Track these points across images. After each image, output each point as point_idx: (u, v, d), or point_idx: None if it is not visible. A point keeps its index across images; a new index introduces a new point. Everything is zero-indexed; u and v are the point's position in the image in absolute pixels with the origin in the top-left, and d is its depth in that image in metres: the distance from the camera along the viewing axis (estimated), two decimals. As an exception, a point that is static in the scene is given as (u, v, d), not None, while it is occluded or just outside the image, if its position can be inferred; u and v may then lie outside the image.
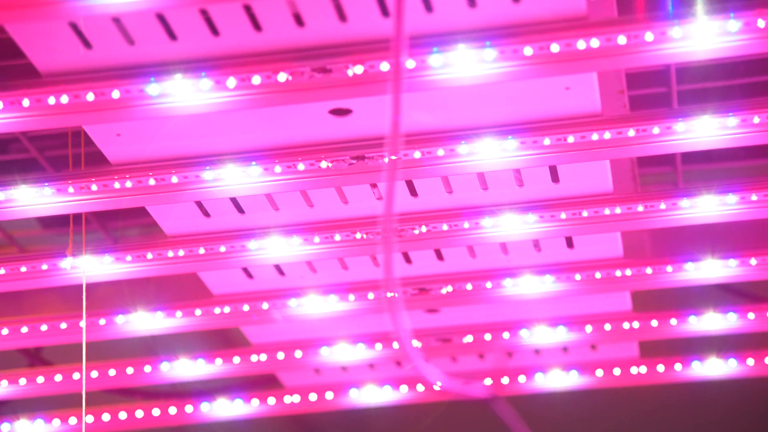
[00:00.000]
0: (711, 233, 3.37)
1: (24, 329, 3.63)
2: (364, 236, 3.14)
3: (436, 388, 3.33)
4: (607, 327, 3.64)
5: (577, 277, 3.33)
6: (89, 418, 4.14)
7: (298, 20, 2.44)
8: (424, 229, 3.10)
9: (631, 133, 2.66)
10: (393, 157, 2.00)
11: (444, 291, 3.44)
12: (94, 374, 3.92)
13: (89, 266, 3.22)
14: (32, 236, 4.28)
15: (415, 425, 4.48)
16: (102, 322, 3.61)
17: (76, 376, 3.94)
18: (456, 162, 2.78)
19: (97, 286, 3.55)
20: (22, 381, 3.93)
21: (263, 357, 3.90)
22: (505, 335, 3.74)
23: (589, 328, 3.64)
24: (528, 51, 2.42)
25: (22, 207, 2.95)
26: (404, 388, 4.06)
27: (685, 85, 3.19)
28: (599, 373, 3.90)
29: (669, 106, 3.22)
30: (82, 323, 3.60)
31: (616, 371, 3.90)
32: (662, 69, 3.13)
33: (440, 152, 2.77)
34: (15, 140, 3.72)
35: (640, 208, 2.97)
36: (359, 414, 4.27)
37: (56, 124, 2.66)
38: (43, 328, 3.63)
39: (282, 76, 2.54)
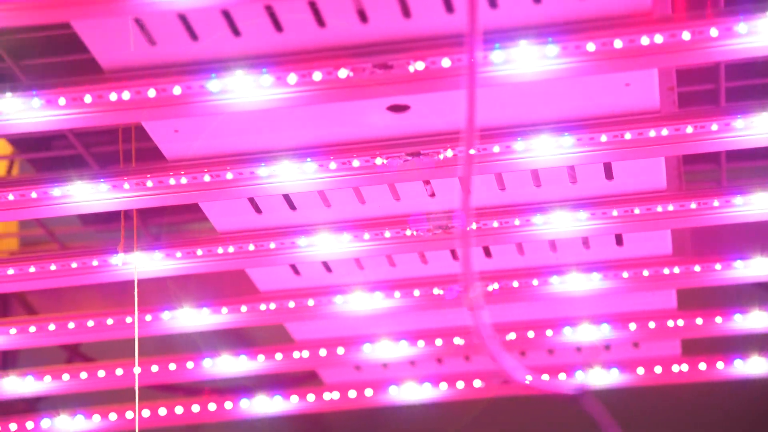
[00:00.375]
0: (755, 231, 3.38)
1: (71, 325, 3.64)
2: (414, 233, 3.15)
3: (525, 383, 3.33)
4: (652, 325, 3.64)
5: (625, 274, 3.34)
6: (128, 414, 4.17)
7: (362, 16, 2.46)
8: (474, 226, 3.11)
9: (689, 129, 2.67)
10: (469, 152, 2.01)
11: (490, 288, 3.45)
12: (137, 370, 3.94)
13: (140, 262, 3.24)
14: (72, 233, 4.33)
15: (451, 424, 4.49)
16: (148, 318, 3.64)
17: (119, 371, 3.97)
18: (511, 159, 2.79)
19: (141, 283, 3.57)
20: (65, 376, 3.94)
21: (305, 354, 3.92)
22: (549, 333, 3.75)
23: (633, 326, 3.65)
24: (591, 47, 2.43)
25: (77, 203, 2.97)
26: (444, 386, 4.08)
27: (733, 82, 3.21)
28: (640, 371, 3.91)
29: (716, 103, 3.23)
30: (131, 319, 3.62)
31: (658, 369, 3.91)
32: (710, 66, 3.14)
33: (496, 149, 2.78)
34: (60, 137, 3.74)
35: (693, 206, 2.98)
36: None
37: (116, 121, 2.68)
38: (90, 324, 3.65)
39: (343, 72, 2.55)
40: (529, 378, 3.05)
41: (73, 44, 2.79)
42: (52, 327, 3.69)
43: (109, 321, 3.64)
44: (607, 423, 3.63)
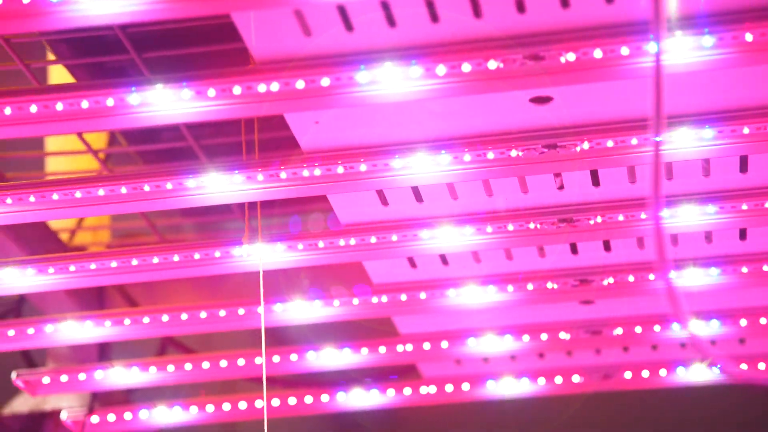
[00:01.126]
0: None
1: (183, 316, 3.67)
2: (538, 226, 3.17)
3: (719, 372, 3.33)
4: (763, 321, 3.65)
5: (744, 269, 3.35)
6: (226, 406, 4.21)
7: (520, 7, 2.48)
8: (599, 219, 3.13)
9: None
10: (657, 139, 2.02)
11: (605, 282, 3.46)
12: (241, 362, 3.98)
13: (263, 254, 3.27)
14: (173, 225, 4.37)
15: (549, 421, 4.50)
16: (260, 310, 3.66)
17: (223, 363, 4.00)
18: (647, 151, 2.80)
19: (252, 275, 3.59)
20: (170, 367, 3.97)
21: (409, 347, 3.93)
22: (656, 328, 3.76)
23: (743, 322, 3.65)
24: (748, 37, 2.44)
25: (210, 194, 2.99)
26: (542, 381, 4.09)
27: None
28: (743, 367, 3.91)
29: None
30: (243, 311, 3.65)
31: (761, 366, 3.91)
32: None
33: (634, 141, 2.80)
34: (170, 129, 3.78)
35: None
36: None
37: (262, 112, 2.70)
38: (203, 315, 3.68)
39: (492, 64, 2.57)
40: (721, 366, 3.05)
41: (214, 33, 2.83)
42: (146, 320, 3.72)
43: (222, 312, 3.67)
44: None
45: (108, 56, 3.29)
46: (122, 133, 3.85)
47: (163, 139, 3.82)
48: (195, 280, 4.38)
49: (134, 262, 3.32)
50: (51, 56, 3.44)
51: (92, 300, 4.44)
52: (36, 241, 4.04)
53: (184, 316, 3.67)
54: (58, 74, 4.39)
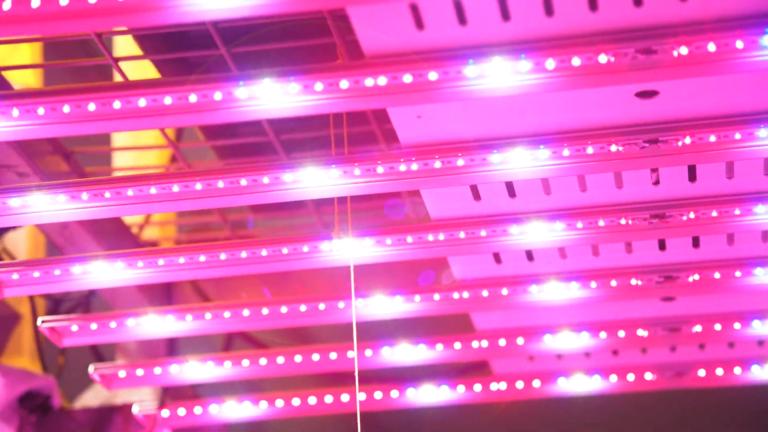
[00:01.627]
0: None
1: (264, 311, 3.68)
2: (629, 222, 3.16)
3: None
4: None
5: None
6: (295, 401, 4.21)
7: (637, 0, 2.47)
8: (692, 215, 3.12)
9: None
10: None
11: (691, 279, 3.46)
12: (316, 357, 3.98)
13: (352, 249, 3.27)
14: (243, 220, 4.38)
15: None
16: (341, 305, 3.67)
17: (297, 358, 4.00)
18: (751, 146, 2.79)
19: (335, 270, 3.59)
20: (245, 362, 3.99)
21: (484, 343, 3.93)
22: (736, 326, 3.75)
23: (825, 320, 3.65)
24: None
25: (306, 189, 3.00)
26: (614, 378, 4.08)
27: None
28: (820, 367, 3.90)
29: None
30: (324, 306, 3.65)
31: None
32: None
33: (737, 136, 2.79)
34: (247, 124, 3.78)
35: None
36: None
37: (367, 106, 2.70)
38: (283, 310, 3.69)
39: (603, 58, 2.57)
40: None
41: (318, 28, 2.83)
42: (227, 314, 3.73)
43: (302, 308, 3.68)
44: None
45: (197, 51, 3.30)
46: (200, 128, 3.86)
47: (240, 134, 3.83)
48: (262, 276, 4.40)
49: (222, 256, 3.33)
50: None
51: (161, 294, 4.46)
52: (112, 236, 4.05)
53: (264, 311, 3.68)
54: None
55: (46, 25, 2.67)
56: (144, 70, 4.06)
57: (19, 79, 4.00)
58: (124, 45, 4.15)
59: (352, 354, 3.96)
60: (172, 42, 3.36)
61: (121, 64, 3.29)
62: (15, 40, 3.36)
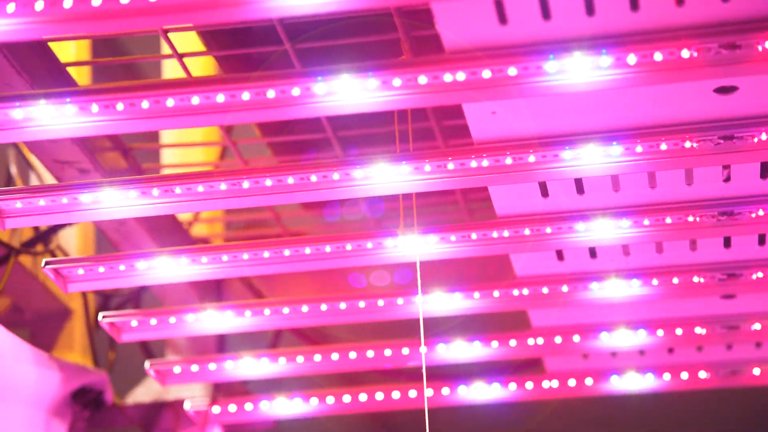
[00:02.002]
0: None
1: (323, 307, 3.68)
2: (697, 219, 3.15)
3: None
4: None
5: None
6: (346, 398, 4.21)
7: (725, -4, 2.47)
8: (761, 212, 3.11)
9: None
10: None
11: (754, 276, 3.44)
12: (370, 353, 3.97)
13: (417, 245, 3.26)
14: (294, 217, 4.38)
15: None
16: (400, 301, 3.66)
17: (352, 355, 4.00)
18: (827, 143, 2.78)
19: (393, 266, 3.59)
20: (300, 359, 3.98)
21: (540, 341, 3.92)
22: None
23: None
24: None
25: (375, 185, 2.99)
26: (667, 376, 4.07)
27: None
28: None
29: None
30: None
31: None
32: None
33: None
34: (302, 121, 3.77)
35: None
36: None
37: (445, 102, 2.70)
38: (342, 306, 3.68)
39: (686, 53, 2.56)
40: None
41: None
42: (286, 310, 3.73)
43: (361, 304, 3.67)
44: None
45: (261, 47, 3.30)
46: (258, 125, 3.85)
47: (296, 131, 3.82)
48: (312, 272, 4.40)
49: (286, 252, 3.33)
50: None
51: (211, 291, 4.46)
52: (165, 232, 4.05)
53: (323, 307, 3.68)
54: (171, 68, 4.42)
55: (109, 22, 2.68)
56: (196, 66, 4.08)
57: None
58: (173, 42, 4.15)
59: (407, 351, 3.96)
60: (235, 38, 3.36)
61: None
62: (74, 36, 3.36)
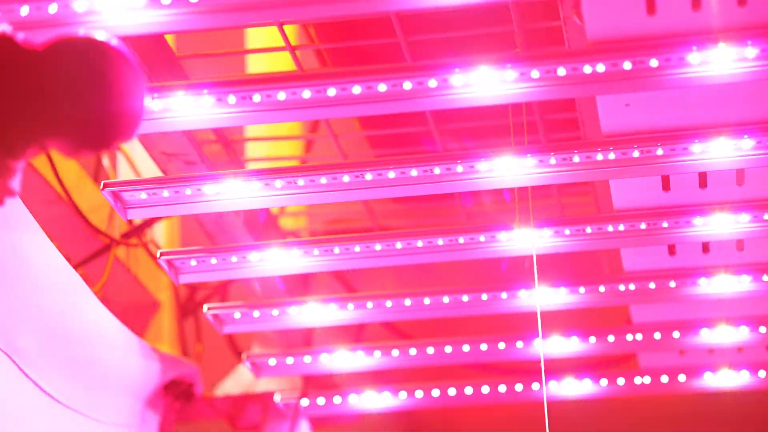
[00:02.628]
0: None
1: (426, 301, 3.66)
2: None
3: None
4: None
5: None
6: (435, 392, 4.19)
7: None
8: None
9: None
10: None
11: None
12: (466, 348, 3.96)
13: (533, 239, 3.24)
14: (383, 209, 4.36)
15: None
16: (504, 295, 3.64)
17: (447, 349, 3.98)
18: None
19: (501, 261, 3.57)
20: (395, 352, 3.97)
21: (639, 336, 3.89)
22: None
23: None
24: None
25: (497, 177, 2.98)
26: (762, 373, 4.03)
27: None
28: None
29: None
30: (467, 297, 3.62)
31: None
32: None
33: None
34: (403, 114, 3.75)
35: None
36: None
37: (583, 93, 2.68)
38: (445, 300, 3.66)
39: (833, 44, 2.54)
40: None
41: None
42: (389, 303, 3.72)
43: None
44: None
45: (370, 40, 3.28)
46: (358, 118, 3.84)
47: (397, 124, 3.81)
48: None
49: (399, 245, 3.31)
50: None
51: (299, 284, 4.45)
52: (260, 225, 4.04)
53: (426, 301, 3.66)
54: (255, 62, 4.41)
55: (229, 16, 2.68)
56: (278, 61, 4.06)
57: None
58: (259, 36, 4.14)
59: (503, 345, 3.94)
60: (344, 30, 3.35)
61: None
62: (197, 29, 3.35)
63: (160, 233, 4.47)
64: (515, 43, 3.05)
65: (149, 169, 4.34)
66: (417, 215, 4.28)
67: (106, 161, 4.24)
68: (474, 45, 3.22)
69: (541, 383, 3.84)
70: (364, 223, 4.29)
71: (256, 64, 4.37)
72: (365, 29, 3.34)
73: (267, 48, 3.45)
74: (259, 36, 4.16)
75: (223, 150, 3.72)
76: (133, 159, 4.27)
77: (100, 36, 1.97)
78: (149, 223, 4.05)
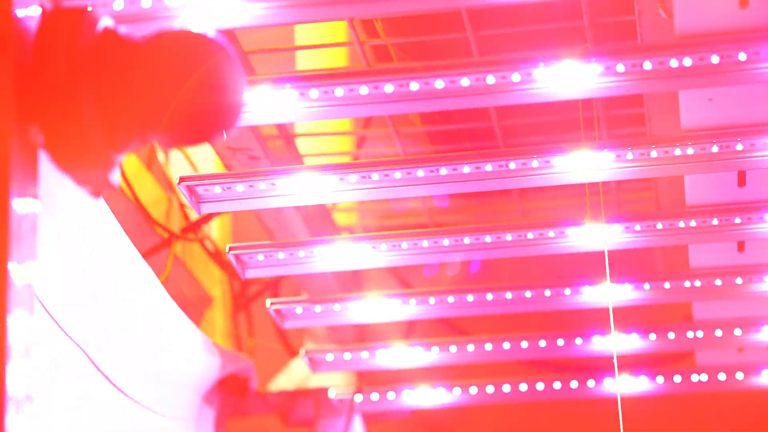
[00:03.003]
0: None
1: (489, 297, 3.64)
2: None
3: None
4: None
5: None
6: (489, 388, 4.17)
7: None
8: None
9: None
10: None
11: None
12: (524, 344, 3.93)
13: (606, 234, 3.22)
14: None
15: None
16: (567, 291, 3.62)
17: (506, 345, 3.96)
18: None
19: (562, 257, 3.54)
20: (453, 348, 3.95)
21: (699, 333, 3.87)
22: None
23: None
24: None
25: (572, 173, 2.95)
26: (820, 370, 4.00)
27: None
28: None
29: None
30: (530, 293, 3.60)
31: None
32: None
33: None
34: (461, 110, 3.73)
35: None
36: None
37: (666, 88, 2.66)
38: (508, 296, 3.64)
39: None
40: None
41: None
42: (451, 299, 3.70)
43: (528, 294, 3.63)
44: None
45: (441, 35, 3.26)
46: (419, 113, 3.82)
47: (453, 120, 3.79)
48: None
49: (467, 240, 3.29)
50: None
51: (351, 280, 4.43)
52: (317, 221, 4.03)
53: (489, 297, 3.64)
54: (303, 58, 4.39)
55: (303, 11, 2.66)
56: (327, 57, 4.05)
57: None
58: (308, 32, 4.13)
59: (561, 341, 3.92)
60: (410, 26, 3.33)
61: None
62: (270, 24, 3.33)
63: (213, 229, 4.46)
64: (584, 38, 3.03)
65: (203, 162, 4.33)
66: (468, 212, 4.26)
67: (161, 155, 4.23)
68: (537, 41, 3.20)
69: (613, 379, 3.80)
70: (418, 219, 4.27)
71: (304, 60, 4.35)
72: (428, 25, 3.32)
73: (334, 43, 3.43)
74: (305, 31, 4.14)
75: (284, 145, 3.70)
76: (189, 153, 4.26)
77: (201, 29, 1.96)
78: (206, 218, 4.04)
